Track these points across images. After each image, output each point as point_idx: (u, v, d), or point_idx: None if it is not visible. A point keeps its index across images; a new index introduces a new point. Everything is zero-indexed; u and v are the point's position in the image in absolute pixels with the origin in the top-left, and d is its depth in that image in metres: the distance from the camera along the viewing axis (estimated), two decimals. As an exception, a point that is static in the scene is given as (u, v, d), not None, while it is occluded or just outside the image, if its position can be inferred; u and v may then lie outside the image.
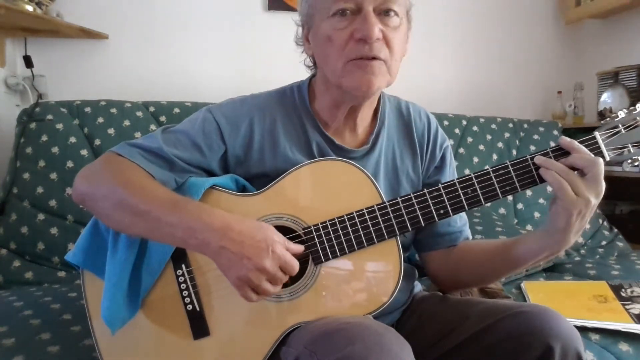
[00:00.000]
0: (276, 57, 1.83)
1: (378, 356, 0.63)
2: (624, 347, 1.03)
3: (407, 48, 0.88)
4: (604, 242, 1.80)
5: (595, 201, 0.74)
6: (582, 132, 0.80)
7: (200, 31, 1.91)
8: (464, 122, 1.93)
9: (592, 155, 0.74)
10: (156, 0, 1.86)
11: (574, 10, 2.19)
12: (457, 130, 1.89)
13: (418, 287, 1.02)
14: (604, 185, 0.74)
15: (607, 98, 1.90)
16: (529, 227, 1.73)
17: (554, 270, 1.55)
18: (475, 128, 1.92)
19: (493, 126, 1.96)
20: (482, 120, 1.97)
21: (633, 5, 1.95)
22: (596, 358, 0.99)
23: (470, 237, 0.98)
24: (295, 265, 0.74)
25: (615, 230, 1.87)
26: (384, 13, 0.78)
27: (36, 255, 1.36)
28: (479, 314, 0.83)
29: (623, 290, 1.22)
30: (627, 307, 1.13)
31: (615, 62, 2.01)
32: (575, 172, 0.74)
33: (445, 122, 1.89)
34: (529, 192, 1.83)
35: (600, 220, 1.87)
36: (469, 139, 1.89)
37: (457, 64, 2.23)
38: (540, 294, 1.29)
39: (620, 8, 2.01)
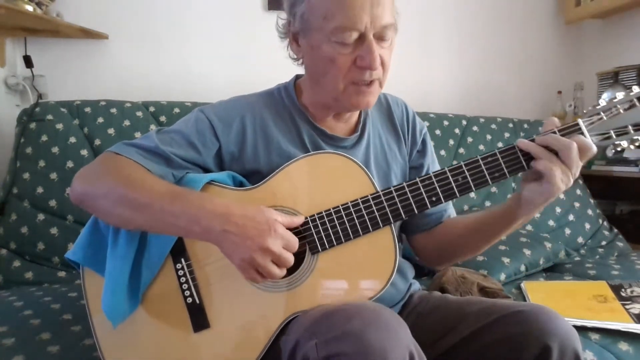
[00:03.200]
0: (276, 57, 1.80)
1: (375, 329, 0.64)
2: (624, 347, 1.03)
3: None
4: (604, 242, 1.80)
5: (568, 184, 0.75)
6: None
7: (200, 31, 1.91)
8: (464, 122, 1.93)
9: (567, 140, 0.74)
10: (156, 0, 1.86)
11: (574, 10, 2.19)
12: (457, 130, 1.89)
13: (417, 285, 1.03)
14: (579, 165, 0.75)
15: (607, 98, 1.90)
16: (528, 227, 1.73)
17: (554, 270, 1.55)
18: (475, 128, 1.92)
19: (493, 126, 1.96)
20: (482, 120, 1.97)
21: (633, 5, 1.95)
22: (596, 358, 0.99)
23: (454, 214, 1.02)
24: (295, 243, 0.75)
25: (615, 230, 1.87)
26: (382, 36, 0.82)
27: (36, 255, 1.36)
28: (478, 314, 0.84)
29: (623, 290, 1.22)
30: (627, 307, 1.13)
31: (615, 62, 2.01)
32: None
33: (445, 122, 1.89)
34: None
35: (600, 220, 1.87)
36: (469, 139, 1.89)
37: (457, 64, 2.23)
38: (540, 293, 1.29)
39: (620, 8, 2.01)
